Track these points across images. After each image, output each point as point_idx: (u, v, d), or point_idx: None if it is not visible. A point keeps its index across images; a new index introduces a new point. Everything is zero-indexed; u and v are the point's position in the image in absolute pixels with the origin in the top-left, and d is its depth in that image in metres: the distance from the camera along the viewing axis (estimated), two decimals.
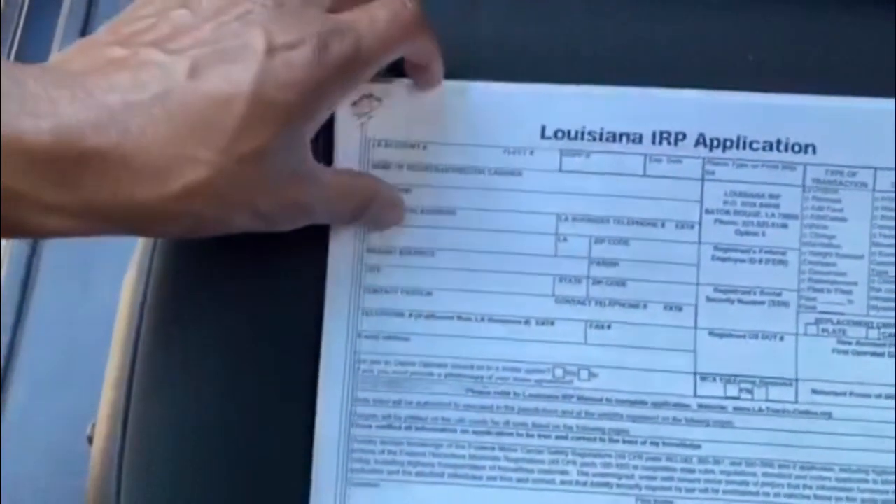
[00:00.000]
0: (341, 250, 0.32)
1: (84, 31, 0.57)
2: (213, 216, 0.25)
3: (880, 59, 0.32)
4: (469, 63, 0.32)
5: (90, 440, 0.36)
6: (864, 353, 0.32)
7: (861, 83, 0.32)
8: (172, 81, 0.24)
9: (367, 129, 0.32)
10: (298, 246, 0.31)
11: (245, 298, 0.32)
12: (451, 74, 0.32)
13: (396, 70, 0.31)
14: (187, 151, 0.24)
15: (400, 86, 0.32)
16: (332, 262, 0.32)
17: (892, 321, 0.32)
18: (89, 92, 0.23)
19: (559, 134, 0.32)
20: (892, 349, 0.32)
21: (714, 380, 0.31)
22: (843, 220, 0.32)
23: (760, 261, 0.32)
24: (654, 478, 0.31)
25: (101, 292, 0.54)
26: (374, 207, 0.30)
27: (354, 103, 0.32)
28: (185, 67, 0.24)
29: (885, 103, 0.32)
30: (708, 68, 0.32)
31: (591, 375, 0.31)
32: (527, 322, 0.32)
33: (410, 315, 0.32)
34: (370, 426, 0.31)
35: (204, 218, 0.25)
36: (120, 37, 0.26)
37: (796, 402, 0.31)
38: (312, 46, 0.25)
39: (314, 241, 0.31)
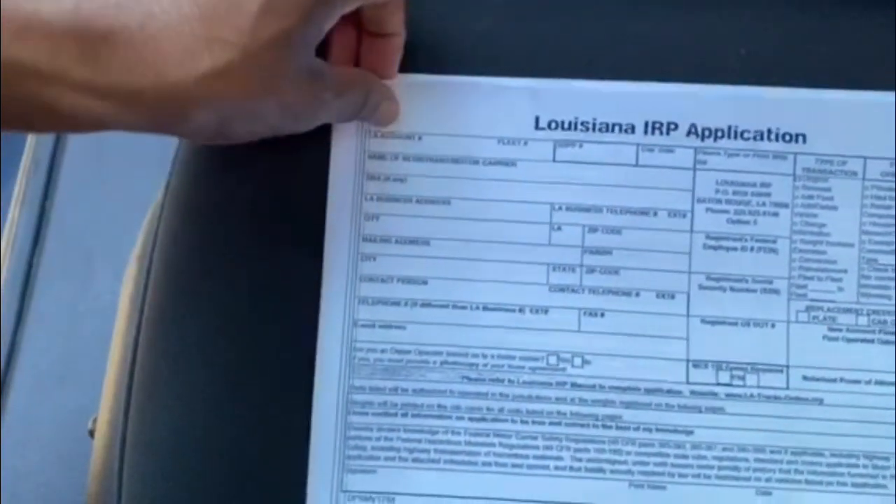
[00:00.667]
0: (337, 239, 0.32)
1: None
2: (241, 104, 0.26)
3: (871, 54, 0.33)
4: (463, 59, 0.32)
5: (91, 434, 0.36)
6: (855, 340, 0.32)
7: (852, 78, 0.32)
8: None
9: (362, 120, 0.32)
10: (296, 236, 0.32)
11: (244, 290, 0.32)
12: (445, 70, 0.32)
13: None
14: (213, 33, 0.25)
15: (395, 78, 0.32)
16: (329, 251, 0.32)
17: (882, 308, 0.32)
18: None
19: (553, 125, 0.32)
20: (882, 336, 0.32)
21: (706, 366, 0.32)
22: (834, 208, 0.32)
23: (752, 249, 0.32)
24: (646, 463, 0.31)
25: (103, 286, 0.54)
26: (374, 97, 0.31)
27: None
28: None
29: (875, 95, 0.32)
30: (700, 63, 0.32)
31: (585, 362, 0.32)
32: (521, 310, 0.32)
33: (406, 303, 0.32)
34: (367, 413, 0.32)
35: (232, 106, 0.26)
36: None
37: (788, 388, 0.32)
38: None
39: (311, 230, 0.32)
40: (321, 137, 0.32)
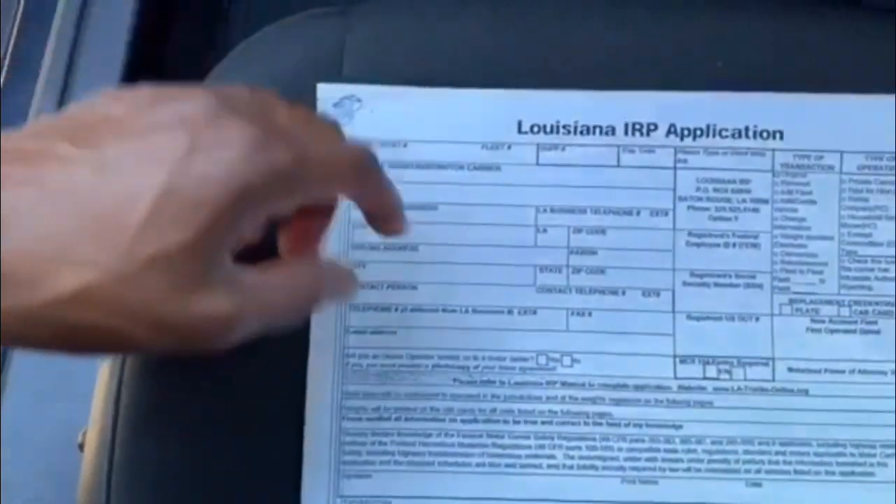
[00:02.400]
0: (327, 247, 0.32)
1: (76, 39, 0.58)
2: (108, 327, 0.22)
3: (845, 62, 0.34)
4: (447, 71, 0.33)
5: (81, 447, 0.36)
6: (837, 331, 0.33)
7: (827, 88, 0.33)
8: (74, 177, 0.21)
9: (348, 130, 0.33)
10: None
11: None
12: (429, 82, 0.33)
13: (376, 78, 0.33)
14: (72, 253, 0.21)
15: (380, 88, 0.33)
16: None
17: (863, 299, 0.33)
18: None
19: (535, 129, 0.33)
20: (864, 326, 0.33)
21: (693, 361, 0.32)
22: (813, 202, 0.33)
23: (734, 245, 0.33)
24: (637, 459, 0.32)
25: None
26: (328, 290, 0.27)
27: (336, 104, 0.33)
28: (93, 162, 0.21)
29: (850, 97, 0.33)
30: (679, 74, 0.33)
31: (574, 361, 0.32)
32: (510, 312, 0.32)
33: (396, 309, 0.32)
34: (360, 419, 0.32)
35: (98, 329, 0.22)
36: (38, 129, 0.23)
37: (773, 380, 0.32)
38: (247, 144, 0.22)
39: None
40: None
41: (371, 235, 0.32)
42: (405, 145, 0.33)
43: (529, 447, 0.32)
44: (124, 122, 0.22)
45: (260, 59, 0.34)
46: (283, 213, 0.24)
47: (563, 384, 0.32)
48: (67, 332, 0.22)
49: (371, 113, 0.33)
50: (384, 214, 0.29)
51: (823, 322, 0.33)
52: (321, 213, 0.28)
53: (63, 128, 0.23)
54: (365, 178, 0.27)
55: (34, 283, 0.21)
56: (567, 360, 0.32)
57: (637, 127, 0.33)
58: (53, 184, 0.21)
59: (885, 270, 0.33)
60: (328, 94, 0.33)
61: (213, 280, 0.22)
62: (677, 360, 0.32)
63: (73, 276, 0.21)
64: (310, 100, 0.32)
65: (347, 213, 0.32)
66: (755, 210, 0.33)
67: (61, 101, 0.55)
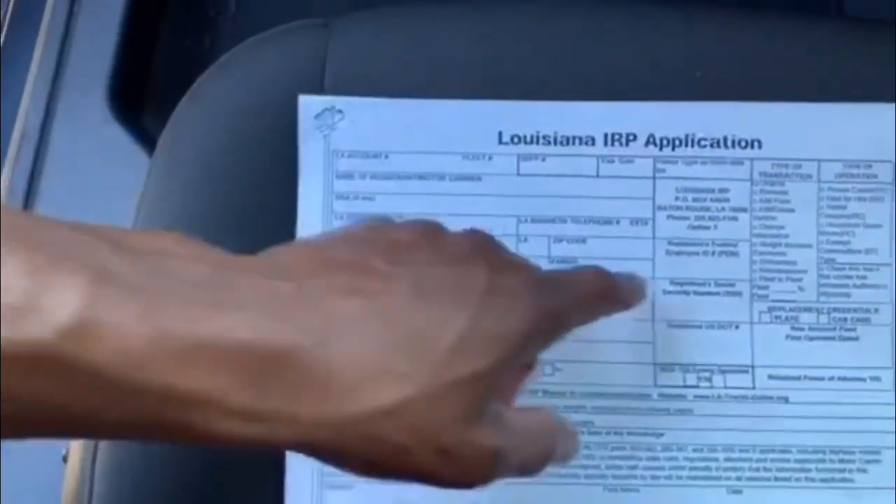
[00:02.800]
0: None
1: (66, 35, 0.58)
2: (403, 446, 0.22)
3: (821, 72, 0.34)
4: (428, 83, 0.33)
5: (65, 459, 0.36)
6: (817, 338, 0.33)
7: (802, 97, 0.33)
8: (394, 294, 0.22)
9: (330, 142, 0.33)
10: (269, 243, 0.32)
11: None
12: (410, 93, 0.33)
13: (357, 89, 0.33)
14: (395, 367, 0.22)
15: (361, 100, 0.33)
16: None
17: (842, 306, 0.33)
18: (299, 289, 0.21)
19: (515, 139, 0.33)
20: (843, 333, 0.33)
21: (673, 369, 0.33)
22: (791, 210, 0.33)
23: (713, 253, 0.33)
24: (619, 467, 0.32)
25: None
26: (564, 443, 0.27)
27: (317, 116, 0.33)
28: (411, 283, 0.23)
29: (826, 105, 0.33)
30: (658, 84, 0.34)
31: (555, 370, 0.32)
32: None
33: None
34: None
35: (395, 447, 0.22)
36: (347, 237, 0.25)
37: (754, 387, 0.33)
38: (531, 290, 0.25)
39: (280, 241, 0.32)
40: (289, 159, 0.32)
41: None
42: (386, 156, 0.33)
43: None
44: (427, 249, 0.24)
45: (242, 70, 0.34)
46: (548, 347, 0.26)
47: (545, 393, 0.32)
48: (365, 447, 0.22)
49: (352, 124, 0.33)
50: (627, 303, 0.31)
51: (803, 329, 0.33)
52: (523, 368, 0.28)
53: (375, 243, 0.24)
54: (618, 300, 0.29)
55: (354, 392, 0.21)
56: (548, 369, 0.32)
57: (616, 137, 0.33)
58: (375, 297, 0.22)
59: (864, 278, 0.33)
60: (309, 106, 0.33)
61: (487, 412, 0.24)
62: (658, 368, 0.33)
63: (393, 389, 0.21)
64: (291, 111, 0.33)
65: (328, 223, 0.33)
66: (734, 219, 0.33)
67: (47, 111, 0.55)
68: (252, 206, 0.32)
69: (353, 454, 0.22)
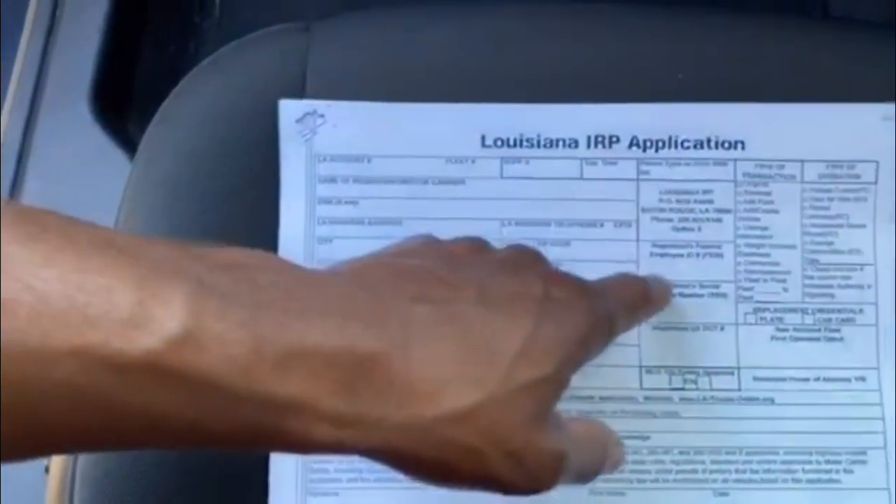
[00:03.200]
0: (292, 254, 0.32)
1: (48, 40, 0.57)
2: (476, 449, 0.23)
3: (803, 74, 0.34)
4: (410, 87, 0.33)
5: (47, 470, 0.36)
6: (802, 339, 0.33)
7: (785, 97, 0.33)
8: (462, 302, 0.23)
9: (312, 146, 0.33)
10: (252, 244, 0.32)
11: None
12: (392, 97, 0.33)
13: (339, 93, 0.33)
14: (466, 369, 0.22)
15: (343, 103, 0.33)
16: None
17: (826, 306, 0.33)
18: (375, 297, 0.22)
19: (499, 142, 0.33)
20: (827, 333, 0.33)
21: (659, 372, 0.32)
22: (775, 211, 0.33)
23: (697, 255, 0.33)
24: None
25: None
26: (613, 452, 0.28)
27: (298, 120, 0.33)
28: (475, 292, 0.24)
29: (810, 105, 0.33)
30: (640, 86, 0.33)
31: None
32: None
33: None
34: None
35: (467, 451, 0.23)
36: (411, 249, 0.26)
37: (739, 389, 0.33)
38: (583, 298, 0.26)
39: (264, 248, 0.32)
40: (271, 164, 0.32)
41: (335, 251, 0.33)
42: (369, 160, 0.33)
43: None
44: (481, 260, 0.26)
45: (223, 74, 0.33)
46: (595, 356, 0.27)
47: None
48: (440, 451, 0.22)
49: (334, 128, 0.33)
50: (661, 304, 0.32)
51: (787, 330, 0.33)
52: None
53: (434, 254, 0.26)
54: (653, 302, 0.31)
55: (432, 397, 0.22)
56: None
57: (599, 139, 0.33)
58: (444, 304, 0.23)
59: (848, 278, 0.33)
60: (290, 110, 0.32)
61: (550, 417, 0.24)
62: (643, 370, 0.32)
63: (467, 394, 0.22)
64: (272, 115, 0.32)
65: (311, 228, 0.32)
66: (718, 220, 0.33)
67: (30, 115, 0.55)
68: (233, 211, 0.32)
69: (429, 459, 0.23)
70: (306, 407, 0.20)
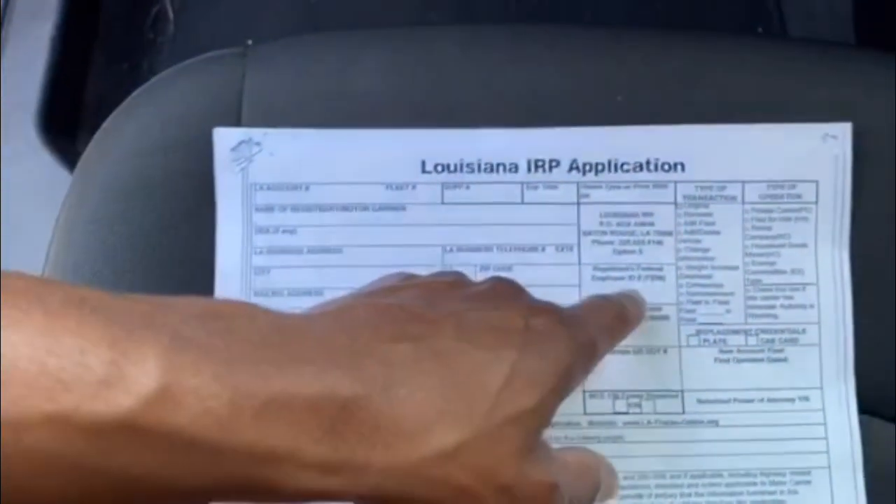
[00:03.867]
0: (228, 293, 0.32)
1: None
2: (465, 486, 0.22)
3: (742, 96, 0.34)
4: (348, 113, 0.33)
5: None
6: (745, 360, 0.33)
7: (723, 119, 0.33)
8: (441, 338, 0.23)
9: (248, 175, 0.32)
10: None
11: None
12: (330, 123, 0.32)
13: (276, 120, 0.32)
14: (453, 409, 0.22)
15: (279, 131, 0.32)
16: None
17: (769, 327, 0.33)
18: (353, 339, 0.22)
19: (439, 168, 0.33)
20: (771, 354, 0.33)
21: (602, 396, 0.32)
22: (717, 233, 0.33)
23: (639, 278, 0.33)
24: None
25: None
26: (606, 480, 0.28)
27: (234, 148, 0.32)
28: (454, 327, 0.24)
29: (748, 127, 0.33)
30: (580, 110, 0.33)
31: None
32: None
33: None
34: None
35: (452, 489, 0.22)
36: (386, 286, 0.26)
37: (683, 412, 0.32)
38: (564, 327, 0.25)
39: (200, 288, 0.32)
40: (206, 193, 0.32)
41: (273, 281, 0.32)
42: (307, 188, 0.32)
43: None
44: (459, 294, 0.26)
45: (157, 103, 0.33)
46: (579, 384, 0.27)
47: None
48: (431, 491, 0.22)
49: (271, 156, 0.32)
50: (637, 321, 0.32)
51: (731, 352, 0.33)
52: None
53: (411, 289, 0.26)
54: (629, 321, 0.30)
55: (416, 437, 0.21)
56: None
57: (539, 164, 0.33)
58: (423, 341, 0.23)
59: (790, 298, 0.33)
60: (225, 138, 0.32)
61: (539, 448, 0.24)
62: (587, 395, 0.32)
63: (453, 431, 0.22)
64: (207, 144, 0.32)
65: (248, 258, 0.32)
66: (659, 242, 0.33)
67: None
68: (168, 242, 0.32)
69: (420, 501, 0.22)
70: (289, 456, 0.20)
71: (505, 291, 0.26)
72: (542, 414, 0.24)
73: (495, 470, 0.23)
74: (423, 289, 0.26)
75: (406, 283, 0.27)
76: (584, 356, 0.26)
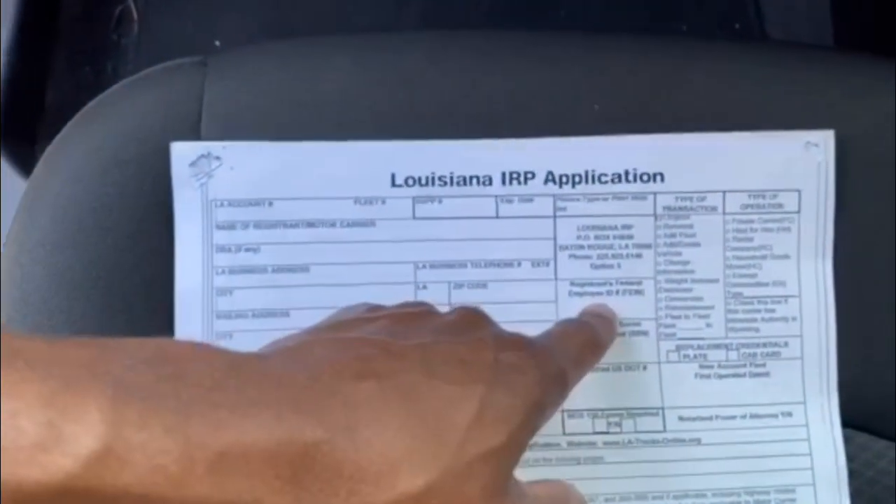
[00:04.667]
0: (189, 319, 0.30)
1: None
2: None
3: (719, 104, 0.33)
4: (313, 125, 0.31)
5: None
6: (727, 376, 0.32)
7: (701, 128, 0.32)
8: (408, 374, 0.22)
9: (207, 191, 0.31)
10: (143, 317, 0.30)
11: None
12: (294, 135, 0.31)
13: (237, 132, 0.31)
14: (420, 449, 0.21)
15: (240, 144, 0.31)
16: (180, 332, 0.30)
17: (751, 341, 0.32)
18: (313, 379, 0.21)
19: (410, 181, 0.32)
20: (753, 369, 0.32)
21: (581, 416, 0.31)
22: (697, 244, 0.32)
23: (617, 292, 0.32)
24: None
25: None
26: None
27: (192, 163, 0.31)
28: (421, 362, 0.22)
29: (727, 135, 0.32)
30: (555, 119, 0.32)
31: None
32: None
33: None
34: None
35: None
36: (351, 323, 0.25)
37: (665, 430, 0.31)
38: (533, 360, 0.25)
39: (159, 310, 0.30)
40: (163, 211, 0.30)
41: (237, 302, 0.31)
42: (270, 204, 0.31)
43: None
44: (425, 325, 0.25)
45: (111, 117, 0.31)
46: (550, 418, 0.26)
47: None
48: None
49: (231, 171, 0.31)
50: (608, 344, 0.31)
51: (712, 367, 0.32)
52: None
53: (375, 321, 0.24)
54: (601, 345, 0.30)
55: (382, 480, 0.20)
56: None
57: (514, 176, 0.32)
58: (387, 378, 0.22)
59: (772, 311, 0.32)
60: (183, 153, 0.30)
61: (509, 486, 0.23)
62: (565, 414, 0.31)
63: (421, 473, 0.21)
64: (165, 159, 0.30)
65: (209, 279, 0.30)
66: (638, 255, 0.32)
67: None
68: (124, 265, 0.30)
69: None
70: None
71: (472, 322, 0.25)
72: (513, 450, 0.23)
73: None
74: (387, 320, 0.24)
75: (369, 314, 0.25)
76: (555, 388, 0.25)
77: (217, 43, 0.66)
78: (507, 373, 0.23)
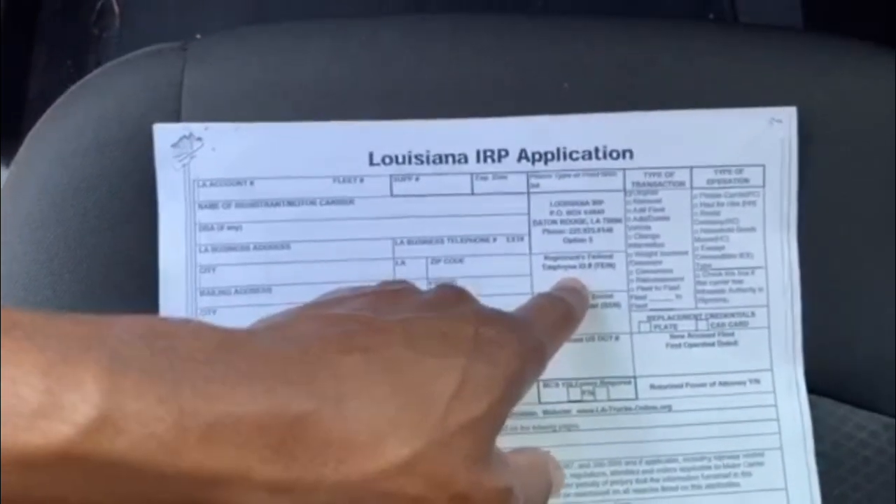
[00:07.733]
0: (173, 296, 0.31)
1: None
2: (420, 497, 0.22)
3: (688, 83, 0.34)
4: (292, 106, 0.32)
5: None
6: (697, 345, 0.33)
7: (670, 105, 0.33)
8: (392, 348, 0.23)
9: (189, 171, 0.31)
10: (127, 295, 0.31)
11: None
12: (274, 116, 0.32)
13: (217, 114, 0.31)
14: (405, 419, 0.22)
15: (221, 125, 0.32)
16: (165, 309, 0.31)
17: (719, 311, 0.33)
18: (302, 352, 0.22)
19: (387, 160, 0.32)
20: (721, 338, 0.33)
21: (557, 385, 0.32)
22: (666, 219, 0.33)
23: (590, 265, 0.33)
24: None
25: None
26: (556, 476, 0.28)
27: (174, 144, 0.31)
28: (404, 335, 0.23)
29: (695, 112, 0.33)
30: (526, 98, 0.33)
31: None
32: None
33: None
34: None
35: (406, 501, 0.22)
36: (332, 300, 0.26)
37: (637, 398, 0.33)
38: (512, 333, 0.25)
39: (144, 288, 0.31)
40: (147, 192, 0.31)
41: (220, 279, 0.31)
42: (252, 183, 0.32)
43: None
44: (408, 301, 0.25)
45: (93, 100, 0.32)
46: (527, 392, 0.26)
47: None
48: None
49: (213, 151, 0.31)
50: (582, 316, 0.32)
51: (682, 337, 0.33)
52: None
53: (358, 298, 0.25)
54: (575, 318, 0.31)
55: (369, 450, 0.21)
56: None
57: (489, 154, 0.33)
58: (373, 351, 0.22)
59: (739, 282, 0.33)
60: (165, 134, 0.31)
61: (492, 455, 0.24)
62: (541, 384, 0.32)
63: (406, 443, 0.22)
64: (147, 141, 0.31)
65: (192, 257, 0.31)
66: (609, 230, 0.33)
67: None
68: (108, 244, 0.31)
69: None
70: (238, 478, 0.20)
71: (452, 298, 0.26)
72: (494, 420, 0.24)
73: (449, 479, 0.22)
74: (370, 298, 0.25)
75: (354, 293, 0.26)
76: (534, 360, 0.26)
77: (198, 37, 0.66)
78: (487, 346, 0.24)
